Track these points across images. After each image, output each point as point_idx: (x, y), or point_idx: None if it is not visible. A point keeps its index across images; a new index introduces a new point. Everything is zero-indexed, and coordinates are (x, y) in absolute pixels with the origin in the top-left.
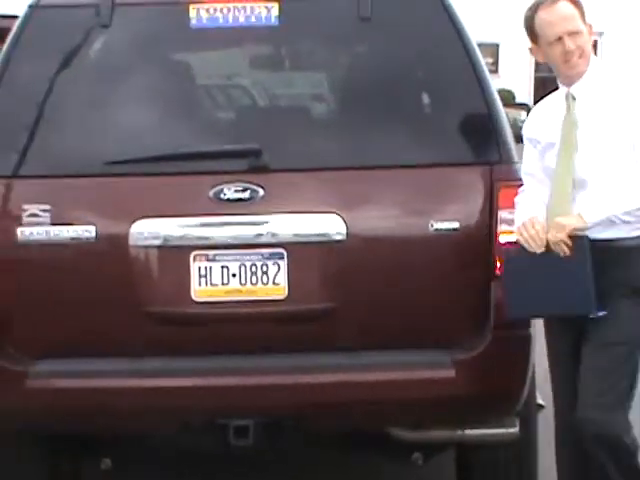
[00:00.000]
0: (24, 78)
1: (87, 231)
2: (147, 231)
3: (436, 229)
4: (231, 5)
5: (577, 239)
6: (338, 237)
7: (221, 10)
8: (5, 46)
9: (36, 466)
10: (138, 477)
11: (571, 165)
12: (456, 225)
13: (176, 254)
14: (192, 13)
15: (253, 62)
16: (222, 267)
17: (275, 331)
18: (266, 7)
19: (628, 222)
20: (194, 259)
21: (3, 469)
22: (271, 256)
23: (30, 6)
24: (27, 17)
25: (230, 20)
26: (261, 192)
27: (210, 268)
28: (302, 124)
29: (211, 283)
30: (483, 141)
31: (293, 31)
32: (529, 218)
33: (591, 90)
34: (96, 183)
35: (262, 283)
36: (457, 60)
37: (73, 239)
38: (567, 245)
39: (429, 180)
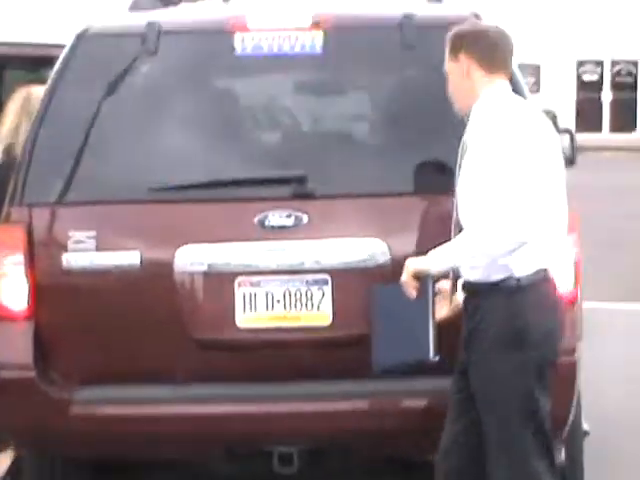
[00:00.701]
0: (70, 106)
1: (132, 257)
2: (192, 257)
3: None
4: (276, 34)
5: (421, 281)
6: (382, 262)
7: (266, 39)
8: (52, 74)
9: None
10: None
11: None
12: None
13: (221, 280)
14: (237, 41)
15: (297, 89)
16: (266, 293)
17: (319, 357)
18: (311, 36)
19: (477, 267)
20: (239, 285)
21: None
22: (315, 282)
23: (78, 35)
24: (74, 46)
25: (275, 49)
26: (305, 218)
27: (255, 294)
28: (346, 151)
29: (255, 309)
30: None
31: (337, 59)
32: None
33: (467, 136)
34: (141, 209)
35: (306, 309)
36: None
37: (118, 266)
38: (414, 287)
39: None
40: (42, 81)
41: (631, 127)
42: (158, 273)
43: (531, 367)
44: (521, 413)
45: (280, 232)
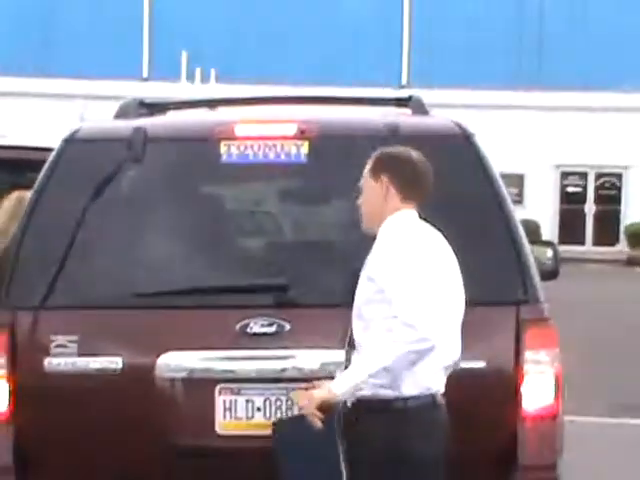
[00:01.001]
0: (56, 210)
1: (114, 362)
2: (173, 363)
3: (462, 368)
4: (261, 142)
5: (327, 411)
6: None
7: (251, 147)
8: (39, 178)
9: None
10: None
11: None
12: (482, 365)
13: (201, 387)
14: (223, 149)
15: (282, 197)
16: (247, 401)
17: None
18: (295, 145)
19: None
20: (219, 392)
21: None
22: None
23: (65, 140)
24: (61, 150)
25: (260, 156)
26: (287, 326)
27: (235, 401)
28: (328, 260)
29: (236, 417)
30: (510, 280)
31: (322, 168)
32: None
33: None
34: (124, 315)
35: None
36: (484, 199)
37: (99, 370)
38: (319, 418)
39: None
40: (27, 185)
41: (614, 240)
42: (139, 378)
43: None
44: None
45: (262, 340)
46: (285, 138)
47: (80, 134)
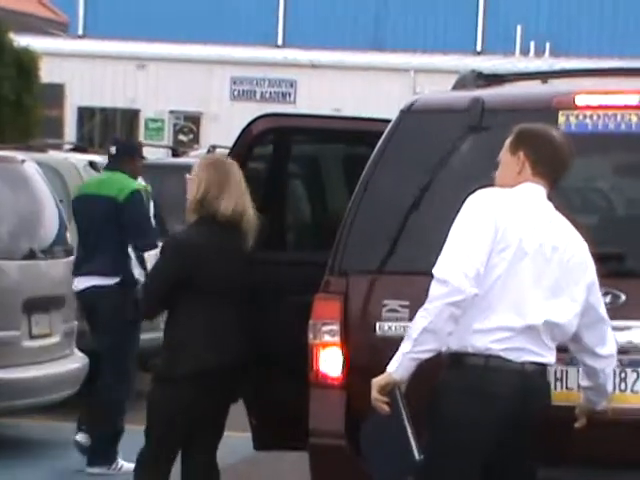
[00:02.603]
0: (391, 178)
1: None
2: None
3: None
4: (601, 112)
5: (389, 393)
6: None
7: (590, 117)
8: (376, 148)
9: None
10: None
11: None
12: None
13: None
14: (561, 119)
15: (617, 169)
16: (578, 371)
17: (634, 439)
18: (637, 115)
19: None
20: None
21: None
22: (630, 363)
23: (402, 111)
24: (398, 121)
25: (599, 126)
26: (623, 297)
27: (566, 372)
28: None
29: (567, 387)
30: None
31: None
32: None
33: None
34: None
35: (619, 390)
36: None
37: None
38: (384, 402)
39: None
40: (358, 156)
41: None
42: None
43: None
44: None
45: None
46: (627, 108)
47: (417, 105)
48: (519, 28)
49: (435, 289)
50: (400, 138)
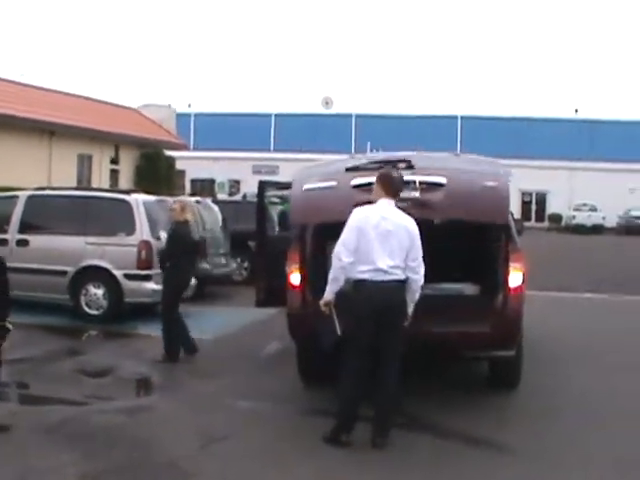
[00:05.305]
0: None
1: None
2: None
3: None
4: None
5: (326, 305)
6: None
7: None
8: None
9: None
10: None
11: None
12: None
13: None
14: None
15: None
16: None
17: None
18: None
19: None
20: None
21: None
22: None
23: None
24: None
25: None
26: None
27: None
28: None
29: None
30: None
31: None
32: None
33: None
34: None
35: None
36: None
37: None
38: (326, 309)
39: None
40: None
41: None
42: None
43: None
44: None
45: None
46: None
47: None
48: None
49: (334, 261)
50: None
